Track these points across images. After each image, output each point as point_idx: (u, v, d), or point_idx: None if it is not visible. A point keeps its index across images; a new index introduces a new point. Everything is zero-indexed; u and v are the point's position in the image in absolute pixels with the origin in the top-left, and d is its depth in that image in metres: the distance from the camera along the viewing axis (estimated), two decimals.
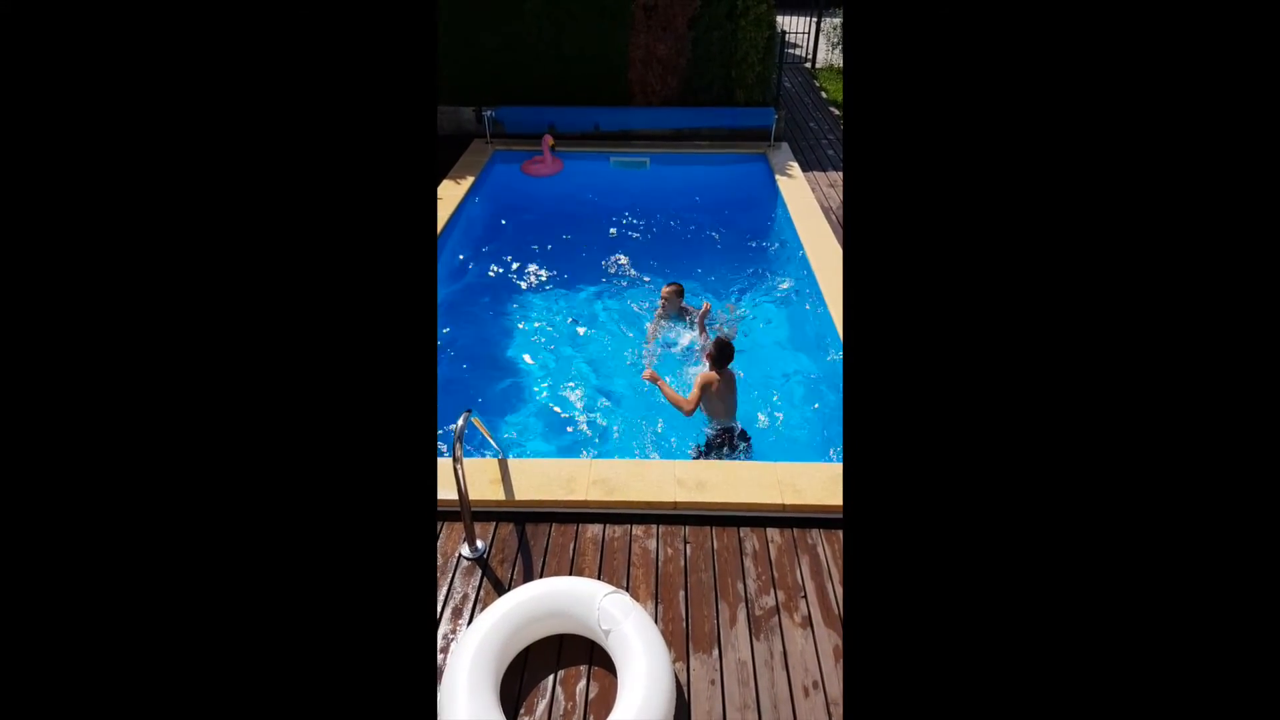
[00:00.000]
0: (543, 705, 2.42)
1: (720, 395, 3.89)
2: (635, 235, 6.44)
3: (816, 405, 4.35)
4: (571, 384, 4.55)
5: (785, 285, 5.56)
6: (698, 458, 3.80)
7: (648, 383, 4.01)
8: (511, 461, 3.35)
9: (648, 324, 5.01)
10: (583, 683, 2.49)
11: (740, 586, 2.85)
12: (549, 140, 7.16)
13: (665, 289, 4.92)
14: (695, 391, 3.84)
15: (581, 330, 5.09)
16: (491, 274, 5.78)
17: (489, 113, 7.58)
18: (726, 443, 3.85)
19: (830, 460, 3.74)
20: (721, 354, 3.93)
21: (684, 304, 4.91)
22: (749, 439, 3.91)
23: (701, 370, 4.02)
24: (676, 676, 2.45)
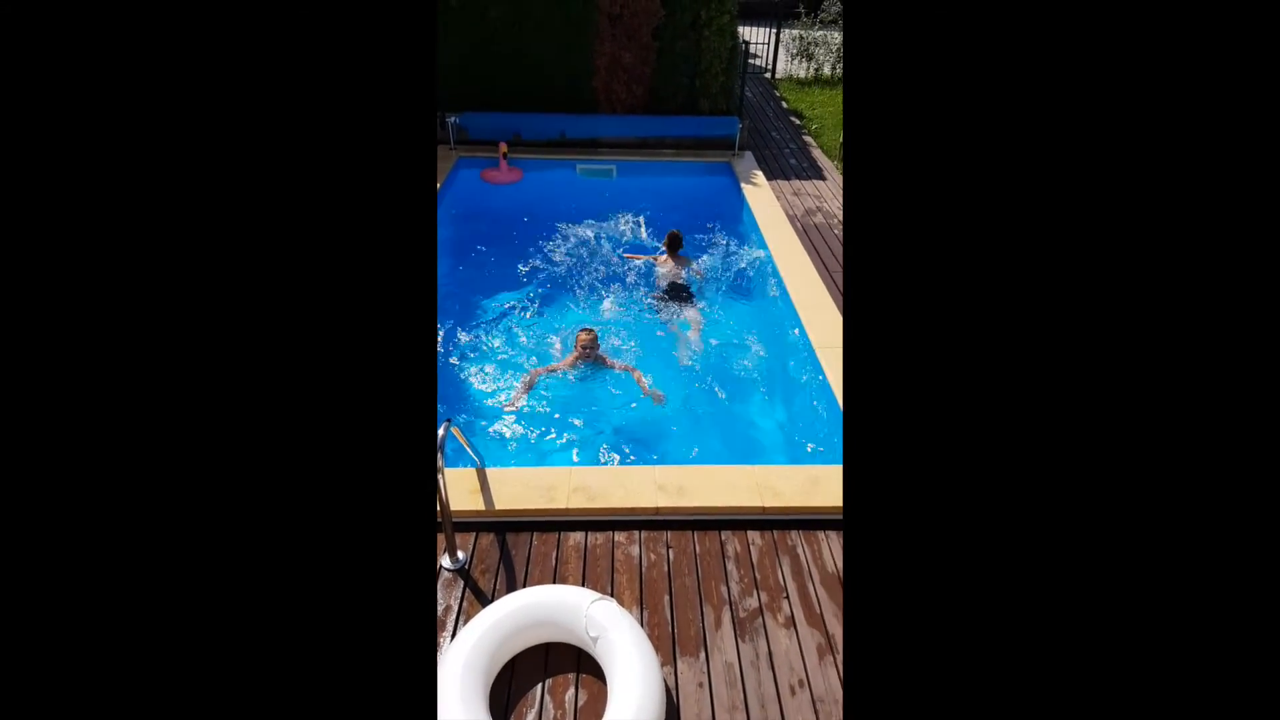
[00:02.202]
0: (532, 714, 2.41)
1: (668, 268, 5.73)
2: (603, 243, 6.45)
3: (790, 409, 4.42)
4: (546, 391, 4.53)
5: (753, 290, 5.64)
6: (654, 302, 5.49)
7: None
8: (490, 471, 3.32)
9: (539, 368, 4.56)
10: (571, 690, 2.48)
11: (724, 589, 2.88)
12: (503, 148, 7.12)
13: (582, 334, 4.50)
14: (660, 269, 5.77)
15: (553, 338, 5.08)
16: (459, 282, 5.73)
17: (453, 119, 7.52)
18: (670, 295, 5.48)
19: (806, 463, 3.81)
20: (673, 242, 5.74)
21: (600, 353, 4.58)
22: (690, 293, 5.48)
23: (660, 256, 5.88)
24: (665, 680, 2.47)
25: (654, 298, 5.52)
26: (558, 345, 4.90)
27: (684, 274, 5.68)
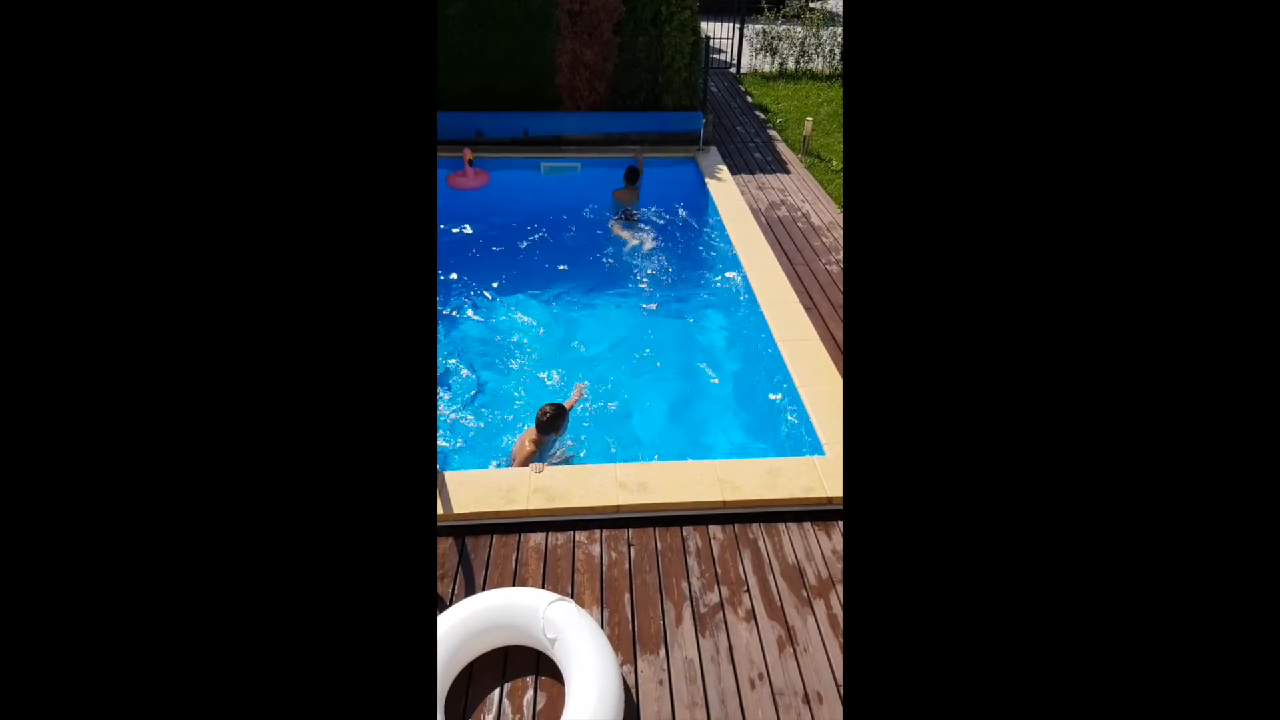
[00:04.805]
0: (489, 719, 2.38)
1: (626, 197, 6.71)
2: (569, 240, 6.42)
3: (752, 402, 4.43)
4: (511, 392, 4.50)
5: (718, 284, 5.65)
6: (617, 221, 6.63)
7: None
8: (449, 474, 3.28)
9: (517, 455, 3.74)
10: (530, 694, 2.46)
11: (685, 585, 2.87)
12: (467, 154, 7.02)
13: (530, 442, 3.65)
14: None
15: (515, 338, 5.04)
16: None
17: None
18: (625, 220, 6.58)
19: (767, 455, 3.82)
20: (631, 175, 6.73)
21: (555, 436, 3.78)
22: (636, 218, 6.60)
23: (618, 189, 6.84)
24: (625, 679, 2.45)
25: (611, 224, 6.63)
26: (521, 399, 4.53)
27: (638, 202, 6.80)
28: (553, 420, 3.66)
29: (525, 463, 3.54)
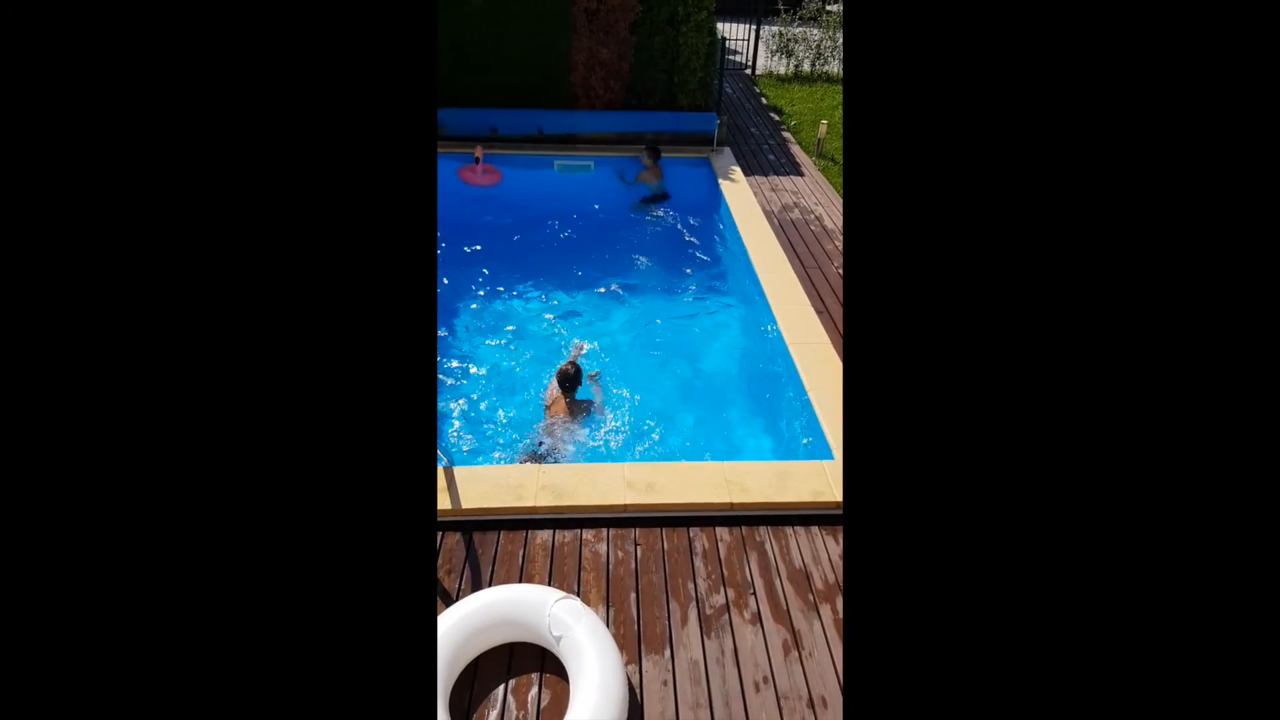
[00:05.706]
0: (494, 715, 2.38)
1: (650, 178, 6.95)
2: (581, 239, 6.43)
3: (761, 404, 4.42)
4: (523, 388, 4.51)
5: (729, 286, 5.64)
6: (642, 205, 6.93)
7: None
8: (458, 470, 3.29)
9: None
10: (534, 690, 2.47)
11: (691, 586, 2.87)
12: (478, 151, 7.02)
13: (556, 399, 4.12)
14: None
15: (527, 335, 5.05)
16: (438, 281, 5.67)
17: None
18: (653, 199, 6.89)
19: (775, 458, 3.81)
20: (654, 152, 6.93)
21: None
22: (668, 194, 6.92)
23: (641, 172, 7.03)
24: (629, 679, 2.45)
25: (642, 202, 6.95)
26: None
27: (663, 181, 7.02)
28: (578, 375, 4.13)
29: (563, 411, 4.08)
